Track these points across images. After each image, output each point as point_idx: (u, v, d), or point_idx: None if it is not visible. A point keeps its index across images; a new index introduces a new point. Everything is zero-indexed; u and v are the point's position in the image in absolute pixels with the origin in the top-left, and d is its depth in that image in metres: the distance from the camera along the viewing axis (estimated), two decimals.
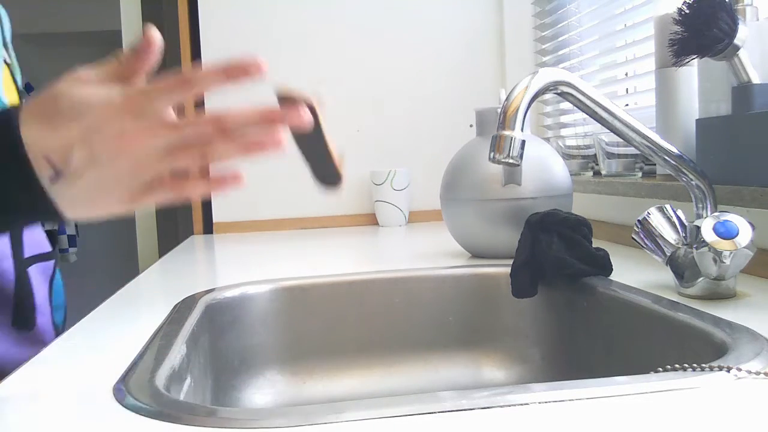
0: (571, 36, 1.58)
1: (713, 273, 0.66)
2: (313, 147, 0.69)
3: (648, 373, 0.48)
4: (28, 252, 0.82)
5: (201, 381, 0.72)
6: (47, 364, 0.59)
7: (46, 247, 0.88)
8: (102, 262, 4.13)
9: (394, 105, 1.71)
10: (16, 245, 0.80)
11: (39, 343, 0.81)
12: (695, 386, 0.45)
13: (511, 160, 0.70)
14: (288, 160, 1.84)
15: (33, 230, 0.85)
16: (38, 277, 0.84)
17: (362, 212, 1.71)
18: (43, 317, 0.84)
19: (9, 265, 0.78)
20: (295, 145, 0.64)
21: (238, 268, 1.09)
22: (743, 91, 0.81)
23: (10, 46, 0.91)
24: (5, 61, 0.88)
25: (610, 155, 1.20)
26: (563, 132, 1.63)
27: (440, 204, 1.09)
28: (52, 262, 0.89)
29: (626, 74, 1.42)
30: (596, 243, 0.84)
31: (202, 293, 0.85)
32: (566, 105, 1.58)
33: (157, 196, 0.49)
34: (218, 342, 0.83)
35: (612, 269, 0.82)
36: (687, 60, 0.80)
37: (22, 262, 0.80)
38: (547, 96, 1.13)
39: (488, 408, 0.43)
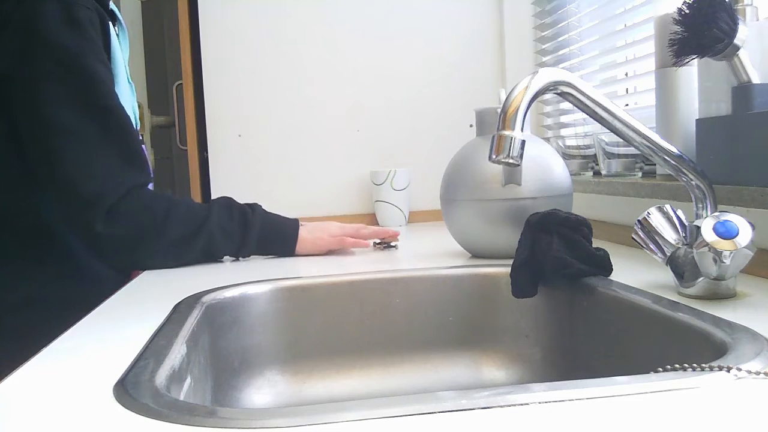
0: (571, 36, 1.58)
1: (713, 273, 0.66)
2: None
3: (648, 373, 0.48)
4: None
5: (201, 381, 0.72)
6: (47, 364, 0.59)
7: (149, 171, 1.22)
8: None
9: (394, 105, 1.71)
10: None
11: None
12: (695, 386, 0.45)
13: (511, 160, 0.70)
14: (288, 161, 1.84)
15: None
16: None
17: (362, 212, 1.71)
18: None
19: None
20: None
21: (238, 268, 1.09)
22: (743, 91, 0.81)
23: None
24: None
25: (610, 155, 1.20)
26: (563, 132, 1.63)
27: (440, 204, 1.09)
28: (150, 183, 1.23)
29: (626, 74, 1.42)
30: (596, 243, 0.84)
31: (202, 293, 0.85)
32: (566, 105, 1.58)
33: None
34: (218, 342, 0.83)
35: (612, 269, 0.82)
36: (687, 60, 0.80)
37: None
38: (547, 96, 1.13)
39: (488, 408, 0.43)
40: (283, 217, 1.17)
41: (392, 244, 1.20)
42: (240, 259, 1.14)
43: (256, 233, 1.11)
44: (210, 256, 1.10)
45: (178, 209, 1.06)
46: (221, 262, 1.12)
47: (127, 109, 1.08)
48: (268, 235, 1.13)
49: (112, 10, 1.15)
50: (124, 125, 1.05)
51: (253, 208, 1.14)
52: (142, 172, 1.07)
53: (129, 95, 1.15)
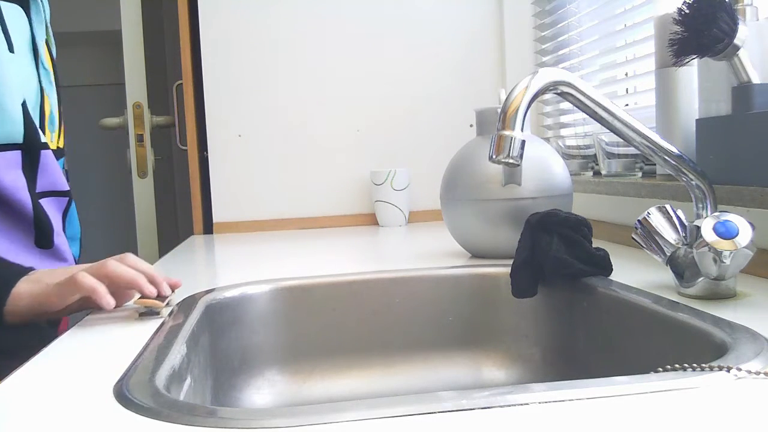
0: (571, 36, 1.58)
1: (713, 273, 0.66)
2: None
3: (648, 373, 0.48)
4: (41, 188, 0.98)
5: (201, 381, 0.72)
6: (47, 364, 0.59)
7: (62, 186, 1.02)
8: None
9: (394, 105, 1.71)
10: (30, 181, 0.96)
11: (60, 259, 0.99)
12: (695, 386, 0.45)
13: (511, 160, 0.70)
14: (288, 161, 1.84)
15: (48, 170, 0.98)
16: (51, 208, 0.99)
17: (362, 212, 1.71)
18: (60, 238, 0.99)
19: (26, 196, 0.93)
20: None
21: (238, 268, 1.09)
22: (743, 91, 0.81)
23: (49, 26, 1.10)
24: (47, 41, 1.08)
25: (610, 155, 1.20)
26: (563, 132, 1.63)
27: (440, 204, 1.09)
28: (66, 199, 1.03)
29: (626, 74, 1.42)
30: (596, 243, 0.84)
31: (202, 293, 0.85)
32: (566, 105, 1.58)
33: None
34: (218, 342, 0.83)
35: (612, 269, 0.82)
36: (687, 60, 0.80)
37: (35, 194, 0.95)
38: (547, 96, 1.13)
39: (488, 408, 0.43)
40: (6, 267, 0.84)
41: (156, 310, 0.76)
42: None
43: None
44: None
45: None
46: None
47: (10, 81, 0.90)
48: None
49: None
50: None
51: None
52: None
53: (20, 68, 0.95)
